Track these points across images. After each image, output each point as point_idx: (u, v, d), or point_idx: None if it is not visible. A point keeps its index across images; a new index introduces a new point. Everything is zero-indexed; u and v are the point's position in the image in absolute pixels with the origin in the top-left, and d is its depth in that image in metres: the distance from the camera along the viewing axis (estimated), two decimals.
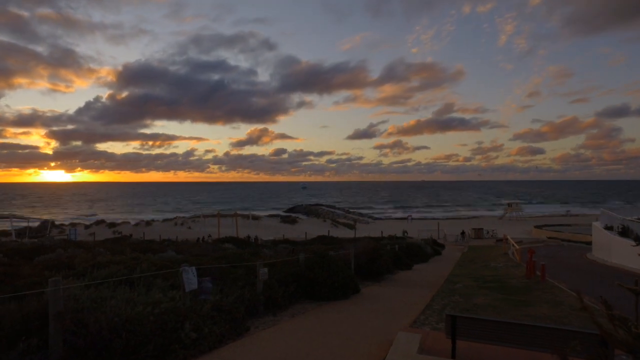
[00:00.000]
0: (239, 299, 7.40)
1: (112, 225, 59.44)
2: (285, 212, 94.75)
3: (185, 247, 18.89)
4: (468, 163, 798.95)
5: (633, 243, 17.13)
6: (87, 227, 58.18)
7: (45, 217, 69.63)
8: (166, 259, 10.47)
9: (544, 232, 48.13)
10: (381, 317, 8.50)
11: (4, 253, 12.54)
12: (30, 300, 5.09)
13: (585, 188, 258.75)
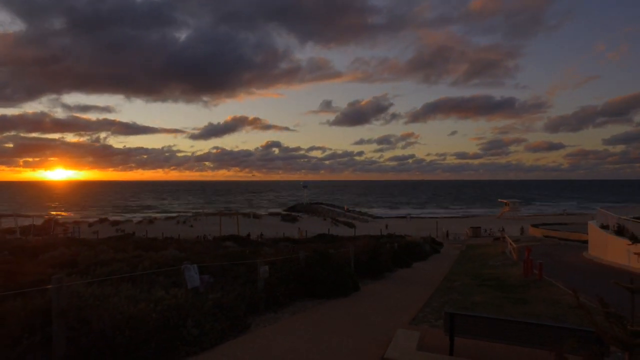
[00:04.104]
0: (240, 297, 7.47)
1: (115, 223, 59.54)
2: (285, 210, 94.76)
3: (187, 245, 18.95)
4: (477, 161, 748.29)
5: (629, 242, 17.21)
6: (90, 225, 58.27)
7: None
8: (168, 256, 10.53)
9: (541, 231, 48.16)
10: (380, 315, 8.57)
11: (9, 251, 12.61)
12: (34, 298, 5.13)
13: (591, 187, 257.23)
